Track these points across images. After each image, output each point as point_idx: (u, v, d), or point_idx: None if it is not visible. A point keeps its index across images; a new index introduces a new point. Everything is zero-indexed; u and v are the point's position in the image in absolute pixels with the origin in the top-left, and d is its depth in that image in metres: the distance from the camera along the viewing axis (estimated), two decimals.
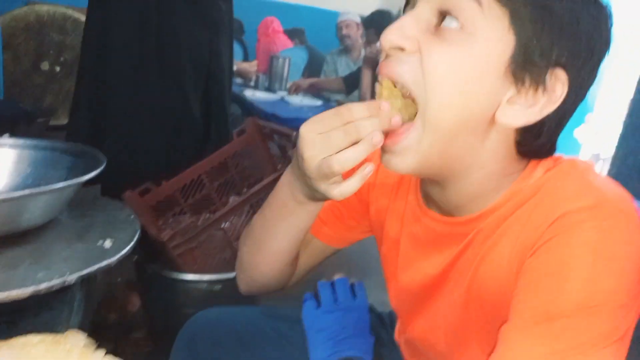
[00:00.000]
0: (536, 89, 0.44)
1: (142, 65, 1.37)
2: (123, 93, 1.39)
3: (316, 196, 0.51)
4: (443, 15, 0.44)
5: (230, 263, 1.16)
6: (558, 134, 0.48)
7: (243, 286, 0.70)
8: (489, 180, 0.49)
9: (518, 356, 0.41)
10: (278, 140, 1.37)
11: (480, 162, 0.48)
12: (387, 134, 0.46)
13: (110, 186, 1.15)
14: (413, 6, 0.46)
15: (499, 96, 0.44)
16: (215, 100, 1.52)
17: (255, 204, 1.16)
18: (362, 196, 0.66)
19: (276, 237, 0.61)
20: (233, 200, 1.12)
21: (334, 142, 0.44)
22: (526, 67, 0.43)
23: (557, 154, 0.51)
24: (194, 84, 1.46)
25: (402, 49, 0.44)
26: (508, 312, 0.44)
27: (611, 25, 0.46)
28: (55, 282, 0.71)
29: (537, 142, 0.47)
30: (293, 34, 3.80)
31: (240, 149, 1.40)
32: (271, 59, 2.92)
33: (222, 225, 1.12)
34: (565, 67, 0.44)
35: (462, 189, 0.50)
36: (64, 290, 0.83)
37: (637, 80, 1.47)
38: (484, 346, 0.51)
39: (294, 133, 1.26)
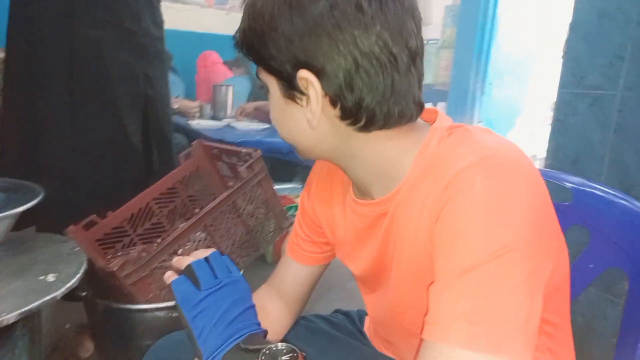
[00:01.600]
0: (300, 96, 0.53)
1: (73, 99, 1.32)
2: (56, 128, 1.33)
3: None
4: None
5: None
6: (372, 102, 0.51)
7: None
8: (376, 158, 0.55)
9: (446, 312, 0.44)
10: (227, 160, 1.35)
11: (343, 148, 0.56)
12: None
13: (50, 225, 1.08)
14: None
15: (298, 114, 0.54)
16: (155, 127, 1.49)
17: (210, 224, 1.13)
18: (311, 212, 0.73)
19: None
20: (185, 223, 1.08)
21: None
22: (288, 88, 0.53)
23: (456, 123, 0.56)
24: (131, 113, 1.42)
25: None
26: (433, 274, 0.48)
27: None
28: None
29: (358, 116, 0.52)
30: (237, 63, 3.82)
31: (188, 172, 1.37)
32: (214, 88, 2.90)
33: (178, 250, 1.07)
34: (304, 65, 0.50)
35: (359, 168, 0.57)
36: (3, 333, 0.76)
37: (558, 82, 1.60)
38: (421, 312, 0.52)
39: (243, 150, 1.25)
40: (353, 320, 0.84)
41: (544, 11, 3.00)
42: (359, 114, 0.51)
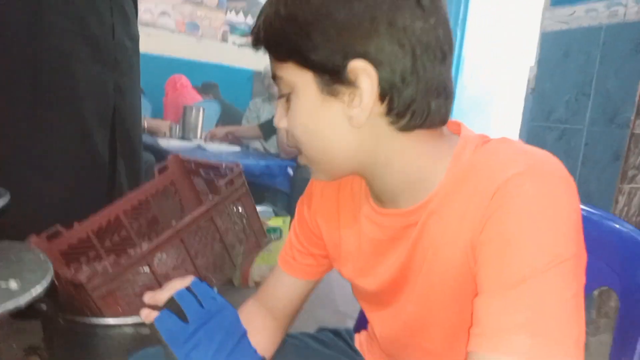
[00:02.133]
0: (349, 86, 0.48)
1: (35, 111, 1.28)
2: (15, 138, 1.28)
3: None
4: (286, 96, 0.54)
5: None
6: (423, 98, 0.49)
7: None
8: (410, 164, 0.53)
9: (500, 323, 0.42)
10: (205, 175, 1.31)
11: (379, 153, 0.52)
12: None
13: (8, 237, 1.00)
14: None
15: (337, 113, 0.50)
16: (123, 138, 1.45)
17: (186, 238, 1.07)
18: (312, 223, 0.69)
19: None
20: (160, 237, 1.03)
21: None
22: (331, 82, 0.49)
23: (484, 134, 0.55)
24: (99, 126, 1.38)
25: (284, 129, 0.56)
26: (471, 287, 0.46)
27: None
28: None
29: (406, 113, 0.50)
30: (206, 88, 3.80)
31: (162, 186, 1.31)
32: (185, 109, 2.85)
33: (152, 263, 1.01)
34: (359, 55, 0.46)
35: (392, 176, 0.53)
36: None
37: (529, 115, 1.69)
38: (449, 331, 0.52)
39: (224, 165, 1.22)
40: (343, 338, 0.80)
41: (507, 50, 3.19)
42: (408, 110, 0.49)
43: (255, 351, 0.53)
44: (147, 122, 2.62)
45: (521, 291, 0.41)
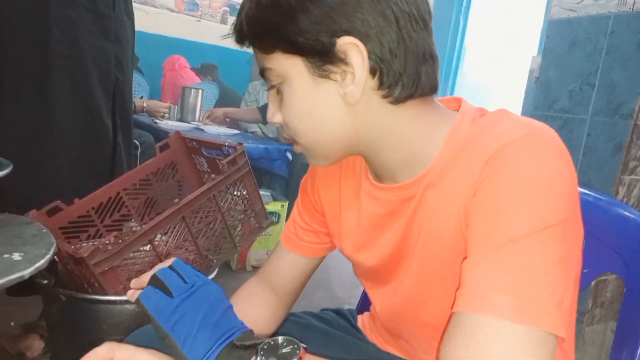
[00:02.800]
0: (339, 64, 0.49)
1: (45, 82, 1.28)
2: (22, 106, 1.27)
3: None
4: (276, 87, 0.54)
5: None
6: (412, 67, 0.50)
7: None
8: (406, 138, 0.53)
9: (485, 284, 0.42)
10: (207, 154, 1.30)
11: (374, 129, 0.53)
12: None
13: (9, 211, 0.99)
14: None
15: (331, 95, 0.51)
16: (121, 112, 1.47)
17: (188, 216, 1.06)
18: (315, 199, 0.70)
19: None
20: (163, 213, 1.01)
21: None
22: (320, 62, 0.49)
23: (482, 107, 0.56)
24: (104, 96, 1.39)
25: (279, 122, 0.57)
26: (464, 253, 0.47)
27: None
28: None
29: (397, 83, 0.50)
30: (205, 70, 3.76)
31: (163, 165, 1.30)
32: (184, 90, 2.82)
33: (154, 241, 1.00)
34: (346, 32, 0.47)
35: (388, 152, 0.54)
36: None
37: (532, 104, 1.68)
38: (447, 302, 0.51)
39: (226, 143, 1.21)
40: (345, 317, 0.80)
41: (509, 40, 3.17)
42: (399, 80, 0.49)
43: (242, 323, 0.53)
44: (146, 102, 2.59)
45: (507, 253, 0.42)
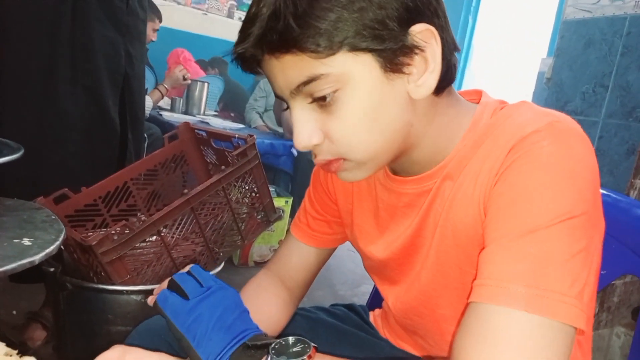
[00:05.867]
0: (413, 55, 0.46)
1: (51, 70, 1.26)
2: (28, 98, 1.25)
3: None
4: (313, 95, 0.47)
5: (167, 273, 1.02)
6: (450, 52, 0.50)
7: None
8: (441, 133, 0.52)
9: (501, 273, 0.41)
10: (216, 146, 1.28)
11: (425, 125, 0.51)
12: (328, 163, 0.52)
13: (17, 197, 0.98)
14: (288, 107, 0.50)
15: (400, 92, 0.47)
16: (131, 107, 1.45)
17: (197, 207, 1.05)
18: (328, 188, 0.69)
19: None
20: (172, 204, 1.00)
21: None
22: (393, 55, 0.45)
23: (502, 99, 0.55)
24: (111, 89, 1.36)
25: (317, 144, 0.50)
26: (483, 245, 0.45)
27: None
28: None
29: (447, 72, 0.49)
30: (214, 63, 3.74)
31: (171, 155, 1.28)
32: (190, 83, 2.81)
33: (161, 231, 0.98)
34: (418, 18, 0.45)
35: (426, 149, 0.53)
36: None
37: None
38: (464, 294, 0.50)
39: (237, 135, 1.19)
40: (357, 312, 0.79)
41: (517, 41, 3.16)
42: (449, 69, 0.50)
43: (257, 326, 0.52)
44: (164, 85, 2.52)
45: (527, 242, 0.41)
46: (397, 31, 0.45)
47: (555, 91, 1.59)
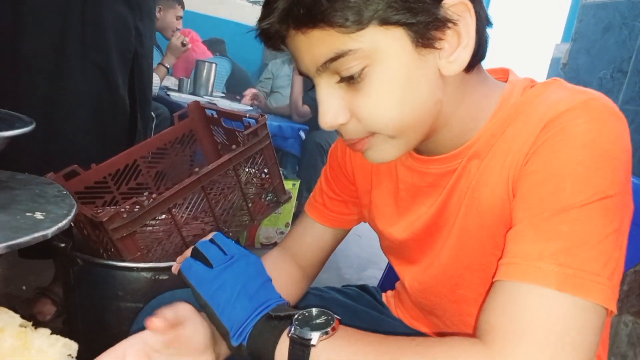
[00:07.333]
0: (445, 29, 0.44)
1: (63, 45, 1.24)
2: (39, 74, 1.23)
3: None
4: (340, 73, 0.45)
5: (177, 251, 1.02)
6: (483, 27, 0.48)
7: None
8: (470, 112, 0.51)
9: (532, 252, 0.40)
10: (226, 125, 1.27)
11: (455, 104, 0.49)
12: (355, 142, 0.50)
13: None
14: (314, 84, 0.48)
15: (431, 68, 0.45)
16: (140, 86, 1.42)
17: (207, 186, 1.04)
18: (346, 167, 0.67)
19: None
20: (183, 182, 0.99)
21: None
22: (425, 29, 0.43)
23: (532, 78, 0.53)
24: (121, 67, 1.34)
25: (343, 124, 0.48)
26: (509, 227, 0.44)
27: None
28: None
29: (479, 47, 0.47)
30: (212, 44, 3.70)
31: (181, 134, 1.28)
32: (197, 63, 2.78)
33: (172, 209, 0.98)
34: None
35: (453, 129, 0.51)
36: None
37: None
38: (486, 275, 0.49)
39: (247, 115, 1.18)
40: (370, 293, 0.79)
41: (531, 26, 3.11)
42: (481, 44, 0.47)
43: (280, 295, 0.52)
44: (165, 64, 2.48)
45: (559, 221, 0.40)
46: (429, 3, 0.42)
47: (571, 77, 1.56)
